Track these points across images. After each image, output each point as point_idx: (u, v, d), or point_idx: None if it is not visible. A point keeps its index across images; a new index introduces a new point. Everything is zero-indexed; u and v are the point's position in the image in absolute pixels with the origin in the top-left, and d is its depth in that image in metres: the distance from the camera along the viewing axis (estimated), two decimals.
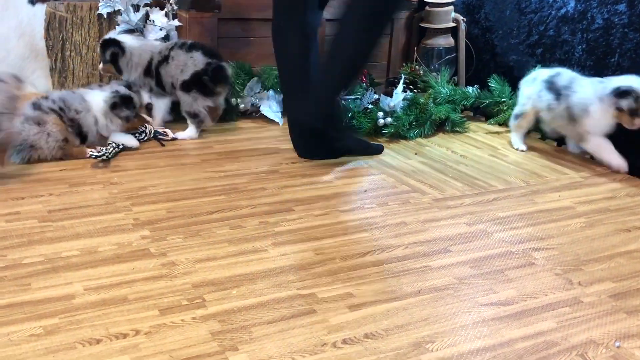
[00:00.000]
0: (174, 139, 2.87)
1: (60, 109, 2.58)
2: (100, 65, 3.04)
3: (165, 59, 2.91)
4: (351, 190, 2.42)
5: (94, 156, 2.50)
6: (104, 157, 2.51)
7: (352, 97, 3.15)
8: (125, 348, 1.45)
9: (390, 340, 1.53)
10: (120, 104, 2.70)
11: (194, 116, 2.91)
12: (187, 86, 2.87)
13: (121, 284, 1.70)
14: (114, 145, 2.61)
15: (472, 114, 3.42)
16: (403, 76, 3.30)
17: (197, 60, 2.87)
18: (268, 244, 1.97)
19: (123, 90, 2.76)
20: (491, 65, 3.53)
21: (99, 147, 2.56)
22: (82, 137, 2.64)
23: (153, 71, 2.95)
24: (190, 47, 2.91)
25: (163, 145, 2.80)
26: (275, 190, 2.39)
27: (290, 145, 2.81)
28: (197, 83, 2.87)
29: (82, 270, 1.76)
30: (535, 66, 3.19)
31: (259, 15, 3.25)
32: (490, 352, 1.51)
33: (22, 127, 2.49)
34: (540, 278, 1.86)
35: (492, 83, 3.28)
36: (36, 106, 2.58)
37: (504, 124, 3.21)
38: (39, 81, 3.51)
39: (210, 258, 1.87)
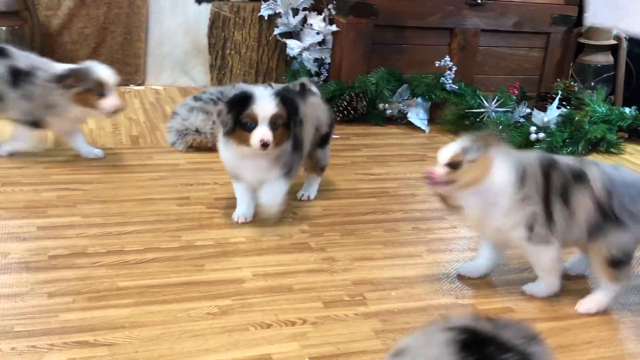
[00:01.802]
0: None
1: (218, 98, 2.73)
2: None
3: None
4: None
5: None
6: None
7: (504, 109, 3.10)
8: (294, 335, 1.52)
9: None
10: None
11: None
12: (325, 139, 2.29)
13: (286, 274, 1.78)
14: None
15: (626, 136, 3.25)
16: (559, 92, 3.21)
17: (325, 109, 2.29)
18: (422, 250, 1.99)
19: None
20: None
21: None
22: None
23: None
24: (308, 91, 2.27)
25: None
26: (425, 197, 2.40)
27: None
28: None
29: (249, 257, 1.86)
30: None
31: (414, 23, 3.28)
32: None
33: (188, 114, 2.66)
34: None
35: None
36: (197, 98, 2.75)
37: None
38: (198, 76, 3.73)
39: (367, 258, 1.92)
